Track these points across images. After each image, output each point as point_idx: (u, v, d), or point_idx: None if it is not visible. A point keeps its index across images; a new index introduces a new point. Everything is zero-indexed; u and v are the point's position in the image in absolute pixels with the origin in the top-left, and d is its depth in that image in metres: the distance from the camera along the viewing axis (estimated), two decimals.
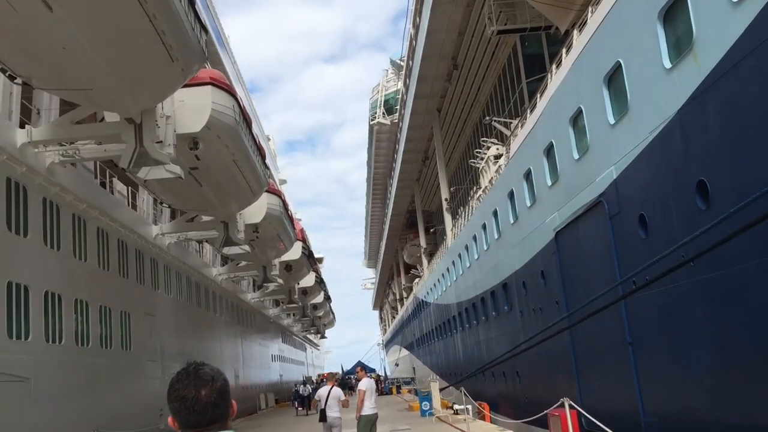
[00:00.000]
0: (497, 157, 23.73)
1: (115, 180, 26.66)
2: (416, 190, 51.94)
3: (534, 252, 18.87)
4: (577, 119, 14.82)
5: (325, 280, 78.25)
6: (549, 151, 16.83)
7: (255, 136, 25.55)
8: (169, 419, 2.39)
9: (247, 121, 23.73)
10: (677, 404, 11.39)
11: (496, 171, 23.73)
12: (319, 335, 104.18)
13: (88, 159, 20.30)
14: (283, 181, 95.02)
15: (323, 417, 13.11)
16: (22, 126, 18.29)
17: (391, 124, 53.74)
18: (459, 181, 37.27)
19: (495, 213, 23.38)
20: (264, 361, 60.46)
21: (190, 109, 19.91)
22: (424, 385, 51.62)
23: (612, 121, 12.86)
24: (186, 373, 2.39)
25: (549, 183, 17.00)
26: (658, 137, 11.07)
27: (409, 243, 62.88)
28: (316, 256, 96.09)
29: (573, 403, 8.77)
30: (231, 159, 22.70)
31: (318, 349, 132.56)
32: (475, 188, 30.86)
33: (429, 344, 49.57)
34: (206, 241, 36.45)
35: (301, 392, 38.54)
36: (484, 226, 25.42)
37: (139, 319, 26.72)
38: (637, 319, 12.61)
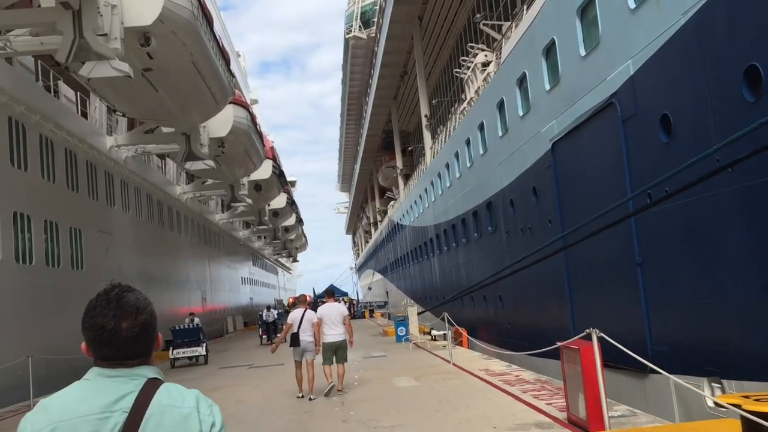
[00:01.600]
0: (485, 64, 21.61)
1: (60, 83, 24.13)
2: (393, 109, 49.58)
3: (525, 167, 17.07)
4: (587, 8, 12.75)
5: (298, 203, 76.63)
6: (549, 51, 14.78)
7: (217, 37, 23.08)
8: (83, 345, 2.02)
9: (208, 18, 21.18)
10: (695, 332, 9.85)
11: (484, 80, 21.64)
12: (291, 259, 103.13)
13: (22, 53, 17.74)
14: (255, 101, 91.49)
15: (296, 341, 12.28)
16: None
17: (367, 39, 50.82)
18: (440, 95, 35.00)
19: (481, 126, 21.43)
20: (233, 284, 59.07)
21: None
22: (399, 309, 50.87)
23: (633, 4, 10.82)
24: (106, 300, 2.01)
25: (547, 87, 15.03)
26: (695, 18, 9.09)
27: (384, 165, 60.85)
28: (289, 179, 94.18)
29: (603, 335, 7.09)
30: (189, 59, 20.30)
31: (290, 273, 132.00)
32: (458, 103, 28.76)
33: (404, 268, 48.35)
34: (168, 156, 34.19)
35: (264, 318, 33.13)
36: (467, 142, 23.51)
37: (92, 236, 24.71)
38: (650, 237, 10.94)
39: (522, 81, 16.83)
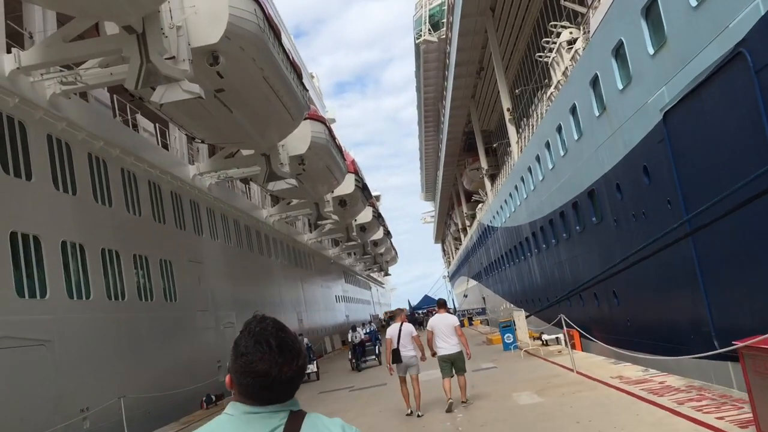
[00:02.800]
0: (571, 42, 19.93)
1: (139, 117, 24.06)
2: (472, 109, 47.96)
3: (632, 145, 15.32)
4: None
5: (385, 217, 75.86)
6: (650, 9, 13.09)
7: (287, 50, 22.43)
8: (227, 380, 2.01)
9: (275, 31, 20.50)
10: None
11: (572, 59, 19.96)
12: (382, 273, 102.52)
13: (94, 86, 17.36)
14: (332, 120, 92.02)
15: (397, 357, 11.86)
16: (9, 51, 15.56)
17: (438, 41, 49.61)
18: (522, 84, 33.14)
19: (573, 109, 19.74)
20: (328, 303, 58.75)
21: (203, 16, 16.90)
22: (499, 315, 48.97)
23: None
24: (266, 343, 1.93)
25: (651, 51, 13.31)
26: None
27: (468, 168, 59.17)
28: (374, 194, 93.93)
29: None
30: (260, 75, 19.62)
31: (383, 287, 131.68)
32: (542, 89, 27.05)
33: (499, 271, 46.52)
34: (250, 180, 33.94)
35: (351, 339, 28.01)
36: (558, 128, 21.81)
37: (183, 267, 24.42)
38: None
39: (619, 50, 15.13)
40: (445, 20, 45.44)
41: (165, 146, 25.85)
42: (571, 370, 13.06)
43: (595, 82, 17.32)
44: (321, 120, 30.55)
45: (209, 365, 24.21)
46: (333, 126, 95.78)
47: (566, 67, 20.72)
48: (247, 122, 21.95)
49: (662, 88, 13.07)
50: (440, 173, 73.12)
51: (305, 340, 26.48)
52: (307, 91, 26.22)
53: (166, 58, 15.94)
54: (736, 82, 10.22)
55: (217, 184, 30.05)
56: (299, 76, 23.92)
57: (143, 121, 24.46)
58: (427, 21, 51.19)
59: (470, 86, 43.27)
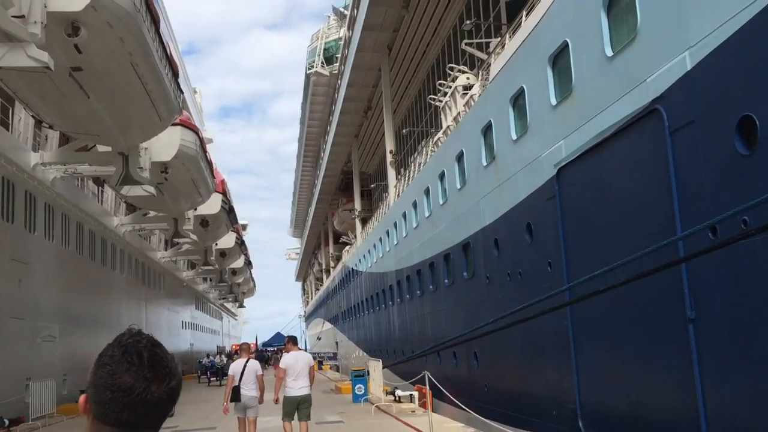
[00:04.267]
0: (467, 88, 19.20)
1: None
2: (354, 148, 46.96)
3: (518, 199, 14.45)
4: None
5: (249, 248, 72.79)
6: (558, 57, 12.32)
7: (164, 43, 20.24)
8: (81, 400, 1.69)
9: (153, 16, 18.30)
10: None
11: (465, 104, 19.18)
12: (237, 304, 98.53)
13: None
14: (209, 141, 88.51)
15: (236, 396, 11.16)
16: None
17: (330, 76, 48.54)
18: (410, 126, 32.33)
19: (460, 156, 18.86)
20: (173, 328, 54.87)
21: None
22: (350, 361, 47.36)
23: None
24: (136, 355, 1.66)
25: (554, 101, 12.52)
26: None
27: (341, 208, 57.98)
28: (241, 222, 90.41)
29: None
30: (127, 60, 17.26)
31: (236, 319, 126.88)
32: (430, 135, 26.29)
33: (357, 317, 45.12)
34: (104, 182, 30.82)
35: (216, 363, 36.32)
36: (442, 175, 20.90)
37: (2, 264, 21.13)
38: (710, 286, 8.31)
39: (518, 98, 14.33)
40: (339, 56, 44.53)
41: (5, 125, 22.60)
42: None
43: (487, 130, 16.48)
44: (193, 129, 28.08)
45: (14, 382, 20.83)
46: (209, 147, 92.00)
47: (458, 113, 19.93)
48: (106, 112, 19.36)
49: (560, 141, 12.25)
50: (312, 210, 71.53)
51: None
52: (182, 93, 23.93)
53: (13, 16, 13.63)
54: (647, 142, 9.41)
55: (63, 180, 26.79)
56: (175, 75, 21.67)
57: None
58: (321, 53, 50.12)
59: (356, 124, 42.28)
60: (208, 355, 38.83)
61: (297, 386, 11.05)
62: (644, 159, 9.50)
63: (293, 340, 12.25)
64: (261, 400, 11.34)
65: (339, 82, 40.64)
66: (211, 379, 35.07)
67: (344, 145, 46.30)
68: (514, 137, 14.66)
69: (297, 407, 11.05)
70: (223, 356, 38.43)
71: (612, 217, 10.65)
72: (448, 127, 21.08)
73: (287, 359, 11.34)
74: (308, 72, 51.38)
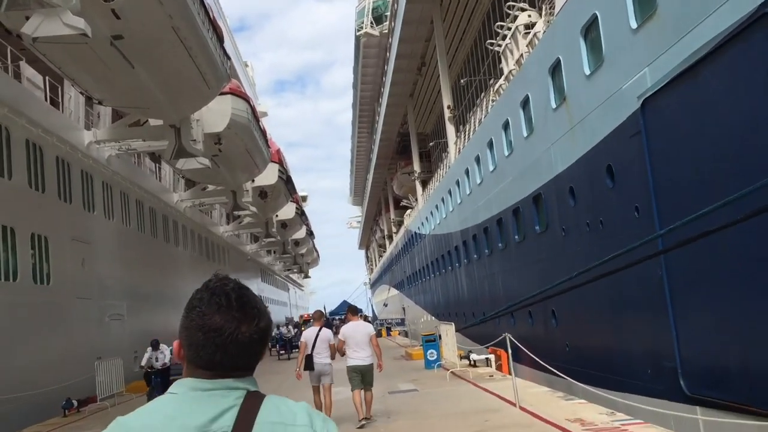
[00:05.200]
0: (529, 27, 17.71)
1: (23, 64, 20.49)
2: (410, 108, 45.60)
3: (595, 140, 13.08)
4: None
5: (310, 219, 72.56)
6: None
7: (206, 5, 19.41)
8: (176, 346, 1.73)
9: None
10: None
11: (528, 44, 17.72)
12: (302, 275, 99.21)
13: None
14: (264, 114, 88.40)
15: (310, 364, 11.11)
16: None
17: (380, 36, 47.09)
18: (468, 76, 30.62)
19: (525, 101, 17.49)
20: None
21: None
22: (418, 326, 46.64)
23: None
24: (225, 296, 1.66)
25: (634, 24, 11.07)
26: None
27: (399, 171, 56.85)
28: (300, 194, 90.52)
29: None
30: (168, 24, 16.51)
31: (302, 290, 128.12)
32: (491, 82, 24.82)
33: (423, 281, 44.25)
34: (161, 158, 30.57)
35: (283, 335, 34.26)
36: (505, 124, 19.55)
37: (63, 245, 20.94)
38: None
39: (590, 27, 12.86)
40: (388, 13, 43.02)
41: (54, 104, 22.30)
42: (513, 404, 10.51)
43: (555, 68, 15.06)
44: (245, 97, 27.34)
45: (84, 362, 20.74)
46: (264, 120, 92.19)
47: (521, 55, 18.48)
48: (153, 82, 18.72)
49: (644, 69, 10.83)
50: (370, 176, 70.64)
51: None
52: (229, 59, 23.11)
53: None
54: (754, 56, 7.98)
55: (119, 157, 26.54)
56: (220, 40, 20.86)
57: (29, 71, 20.91)
58: (370, 13, 48.66)
59: (410, 83, 40.88)
60: (278, 327, 36.31)
61: (358, 356, 10.97)
62: (751, 77, 8.08)
63: (353, 311, 12.05)
64: (380, 366, 11.26)
65: (390, 40, 39.26)
66: (281, 353, 33.18)
67: (399, 106, 44.98)
68: (588, 72, 13.24)
69: (362, 376, 10.98)
70: (290, 327, 36.53)
71: (712, 149, 9.26)
72: (510, 72, 19.64)
73: (346, 330, 11.26)
74: (358, 34, 50.03)
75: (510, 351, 11.33)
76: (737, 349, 9.19)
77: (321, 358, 11.16)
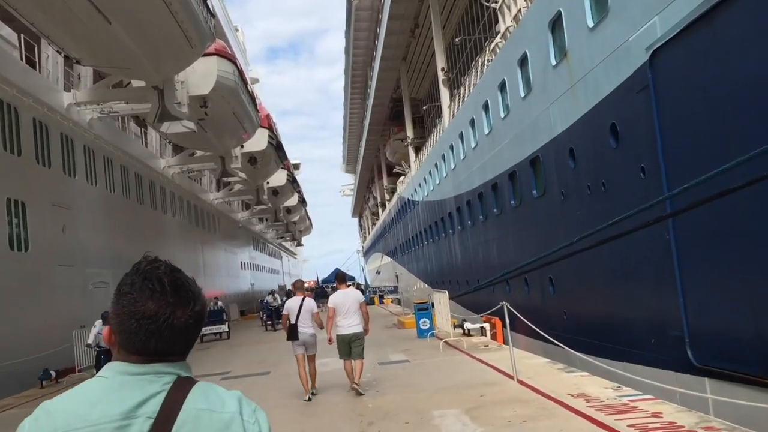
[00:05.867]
0: None
1: None
2: (402, 72, 44.54)
3: (598, 97, 12.33)
4: None
5: (304, 188, 71.68)
6: None
7: None
8: (106, 332, 1.70)
9: None
10: None
11: None
12: (295, 242, 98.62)
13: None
14: (255, 80, 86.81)
15: (294, 334, 11.01)
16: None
17: None
18: (462, 35, 29.50)
19: (523, 59, 16.67)
20: (232, 270, 54.65)
21: None
22: (412, 294, 46.19)
23: None
24: (157, 280, 1.62)
25: None
26: None
27: (392, 138, 55.91)
28: (293, 162, 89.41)
29: None
30: None
31: (295, 258, 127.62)
32: (486, 42, 23.93)
33: (416, 249, 43.68)
34: (146, 122, 29.67)
35: (269, 303, 32.23)
36: (502, 85, 18.73)
37: (42, 210, 20.16)
38: None
39: None
40: None
41: (30, 63, 21.32)
42: (511, 377, 9.86)
43: (555, 23, 14.24)
44: (231, 59, 26.33)
45: (66, 331, 20.12)
46: (257, 88, 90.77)
47: (518, 10, 17.60)
48: (132, 40, 17.80)
49: (654, 18, 10.04)
50: (363, 143, 69.63)
51: (219, 303, 31.18)
52: (213, 16, 22.11)
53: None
54: None
55: (101, 120, 25.61)
56: None
57: (5, 30, 19.93)
58: None
59: (403, 46, 39.79)
60: (273, 292, 34.49)
61: (347, 324, 10.83)
62: None
63: (340, 279, 11.84)
64: (329, 337, 11.08)
65: (382, 1, 38.09)
66: (268, 323, 30.83)
67: (392, 70, 43.92)
68: (591, 24, 12.42)
69: (350, 345, 10.84)
70: (276, 295, 33.64)
71: (727, 104, 8.54)
72: (507, 29, 18.75)
73: (335, 298, 11.10)
74: None
75: (507, 320, 10.66)
76: (750, 316, 8.57)
77: (305, 327, 11.04)
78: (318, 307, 11.98)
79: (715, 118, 8.85)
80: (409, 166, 47.93)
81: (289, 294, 22.47)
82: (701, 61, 9.05)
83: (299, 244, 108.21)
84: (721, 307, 9.25)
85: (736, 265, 8.78)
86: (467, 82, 25.76)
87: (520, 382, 9.46)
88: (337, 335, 10.92)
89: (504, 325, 13.01)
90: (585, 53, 12.80)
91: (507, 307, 10.27)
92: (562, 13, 13.70)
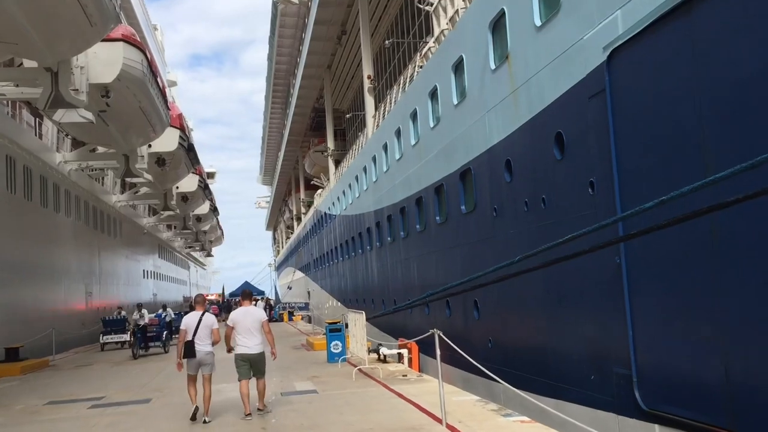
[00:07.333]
0: None
1: None
2: (326, 81, 42.95)
3: (542, 105, 11.11)
4: None
5: (221, 199, 68.86)
6: None
7: None
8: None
9: None
10: None
11: None
12: (204, 253, 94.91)
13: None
14: (173, 83, 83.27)
15: (190, 351, 10.41)
16: None
17: (299, 4, 44.12)
18: (393, 38, 28.16)
19: (458, 63, 15.41)
20: (132, 278, 51.30)
21: None
22: (323, 312, 44.34)
23: None
24: None
25: None
26: None
27: (312, 149, 54.15)
28: (208, 170, 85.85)
29: None
30: None
31: (204, 269, 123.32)
32: (418, 46, 22.67)
33: (330, 265, 41.95)
34: (37, 109, 26.86)
35: (136, 321, 25.19)
36: (433, 92, 17.44)
37: None
38: None
39: None
40: None
41: None
42: (438, 421, 8.27)
43: (497, 23, 13.02)
44: (139, 47, 23.97)
45: None
46: (176, 93, 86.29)
47: (455, 11, 16.38)
48: (19, 11, 15.52)
49: (615, 11, 8.87)
50: (281, 153, 67.51)
51: (123, 313, 31.12)
52: None
53: None
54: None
55: None
56: None
57: None
58: None
59: (328, 53, 38.24)
60: (140, 306, 26.27)
61: (247, 344, 10.34)
62: (762, 17, 6.18)
63: (246, 295, 11.18)
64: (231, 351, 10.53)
65: (309, 4, 36.49)
66: (139, 347, 23.77)
67: (315, 78, 42.28)
68: (538, 23, 11.23)
69: (251, 365, 10.37)
70: (144, 310, 25.58)
71: (701, 111, 7.38)
72: (441, 32, 17.51)
73: (235, 315, 10.59)
74: (275, 0, 46.89)
75: (438, 351, 9.13)
76: (718, 354, 7.38)
77: (203, 345, 10.45)
78: (221, 321, 11.10)
79: (686, 128, 7.69)
80: (328, 179, 46.29)
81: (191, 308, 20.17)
82: (671, 61, 7.89)
83: (209, 255, 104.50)
84: (678, 341, 8.05)
85: (703, 293, 7.59)
86: (395, 91, 24.44)
87: (450, 428, 7.93)
88: (236, 354, 10.39)
89: (434, 355, 11.52)
90: (530, 55, 11.59)
91: (438, 335, 8.74)
92: (506, 12, 12.49)
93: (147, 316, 25.54)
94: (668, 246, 8.05)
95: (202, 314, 10.68)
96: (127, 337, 26.74)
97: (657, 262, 8.39)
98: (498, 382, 8.90)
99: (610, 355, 9.42)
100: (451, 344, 9.13)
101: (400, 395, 10.81)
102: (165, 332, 25.94)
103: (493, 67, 13.30)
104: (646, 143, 8.46)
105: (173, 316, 30.05)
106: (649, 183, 8.36)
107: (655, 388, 8.47)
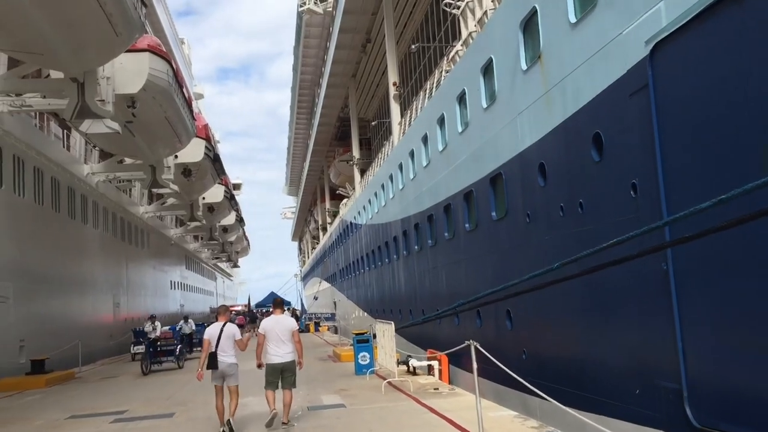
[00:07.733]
0: None
1: None
2: (351, 90, 42.73)
3: (578, 104, 10.62)
4: None
5: (248, 210, 69.17)
6: None
7: None
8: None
9: None
10: None
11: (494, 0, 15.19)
12: (231, 263, 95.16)
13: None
14: (200, 96, 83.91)
15: (213, 363, 10.25)
16: None
17: (324, 14, 44.03)
18: (419, 42, 27.63)
19: (487, 66, 14.96)
20: (159, 289, 51.44)
21: None
22: (349, 322, 43.95)
23: None
24: None
25: None
26: None
27: (337, 159, 53.94)
28: (235, 181, 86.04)
29: None
30: None
31: (231, 280, 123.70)
32: (445, 50, 22.28)
33: (357, 275, 41.55)
34: (65, 120, 26.94)
35: (147, 333, 24.56)
36: (461, 96, 17.01)
37: None
38: None
39: None
40: None
41: None
42: None
43: (528, 21, 12.57)
44: (165, 57, 23.92)
45: None
46: (203, 106, 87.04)
47: (484, 13, 15.97)
48: (45, 22, 15.45)
49: (658, 3, 8.39)
50: (306, 163, 67.43)
51: (157, 323, 25.19)
52: (145, 6, 19.85)
53: None
54: None
55: (12, 115, 22.92)
56: None
57: None
58: None
59: (353, 62, 38.01)
60: (153, 318, 25.99)
61: (278, 353, 10.43)
62: None
63: (278, 304, 11.26)
64: (259, 362, 10.61)
65: (334, 13, 36.34)
66: (150, 362, 22.57)
67: (340, 87, 42.07)
68: (573, 19, 10.76)
69: (280, 375, 10.45)
70: (158, 322, 25.41)
71: (754, 106, 6.86)
72: (469, 35, 17.10)
73: (266, 323, 10.70)
74: (300, 10, 46.84)
75: (475, 364, 8.66)
76: None
77: (226, 356, 10.36)
78: (250, 331, 11.00)
79: (737, 126, 7.17)
80: (354, 188, 45.98)
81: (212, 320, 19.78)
82: (720, 53, 7.38)
83: (235, 266, 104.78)
84: (733, 353, 7.50)
85: (762, 300, 7.05)
86: (421, 97, 24.04)
87: None
88: (267, 363, 10.45)
89: (464, 366, 11.05)
90: (564, 54, 11.11)
91: (475, 347, 8.28)
92: (538, 10, 12.04)
93: (159, 329, 24.79)
94: (723, 249, 7.51)
95: (224, 324, 10.61)
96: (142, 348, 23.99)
97: (710, 266, 7.84)
98: (540, 396, 8.39)
99: (657, 368, 8.87)
100: (489, 356, 8.64)
101: (433, 410, 10.36)
102: (179, 346, 24.40)
103: (524, 67, 12.84)
104: (695, 140, 7.94)
105: (194, 327, 29.71)
106: (700, 183, 7.84)
107: (708, 403, 7.91)
